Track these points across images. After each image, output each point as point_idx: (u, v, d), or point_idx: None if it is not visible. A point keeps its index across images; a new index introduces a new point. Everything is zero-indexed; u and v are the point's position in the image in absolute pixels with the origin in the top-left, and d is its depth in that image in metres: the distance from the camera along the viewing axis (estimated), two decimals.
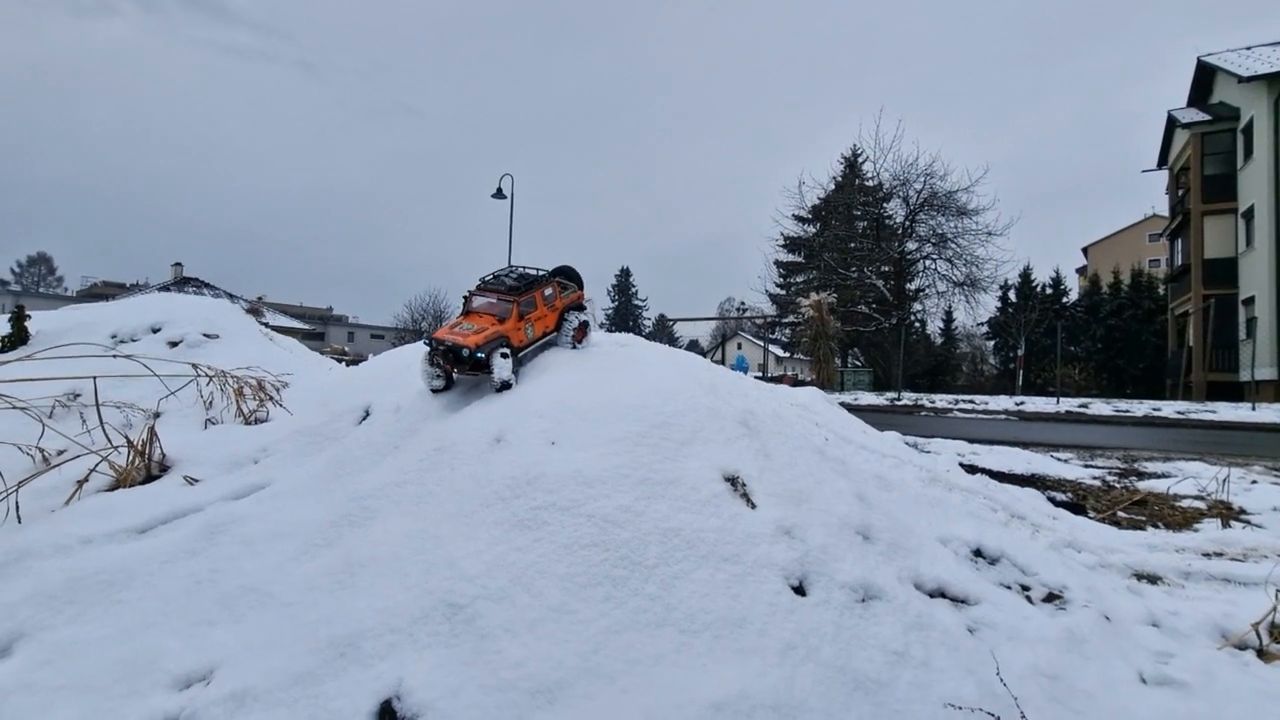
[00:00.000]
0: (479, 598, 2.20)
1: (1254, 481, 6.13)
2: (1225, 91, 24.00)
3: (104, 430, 3.76)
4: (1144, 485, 6.02)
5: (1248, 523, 4.77)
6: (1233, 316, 22.36)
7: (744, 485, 2.81)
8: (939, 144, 65.98)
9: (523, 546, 2.38)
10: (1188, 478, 6.07)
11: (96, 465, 3.47)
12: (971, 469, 6.14)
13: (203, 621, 2.40)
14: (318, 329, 58.50)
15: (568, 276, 4.32)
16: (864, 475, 3.77)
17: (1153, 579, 3.69)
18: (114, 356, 4.64)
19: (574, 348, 4.10)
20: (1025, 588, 3.10)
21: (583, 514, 2.48)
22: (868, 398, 21.10)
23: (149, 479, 3.58)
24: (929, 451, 7.22)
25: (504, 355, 3.50)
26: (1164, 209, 34.90)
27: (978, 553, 3.32)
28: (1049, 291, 36.52)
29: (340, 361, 9.01)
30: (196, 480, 3.55)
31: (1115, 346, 31.20)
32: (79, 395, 4.45)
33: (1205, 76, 25.52)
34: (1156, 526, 4.74)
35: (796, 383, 22.92)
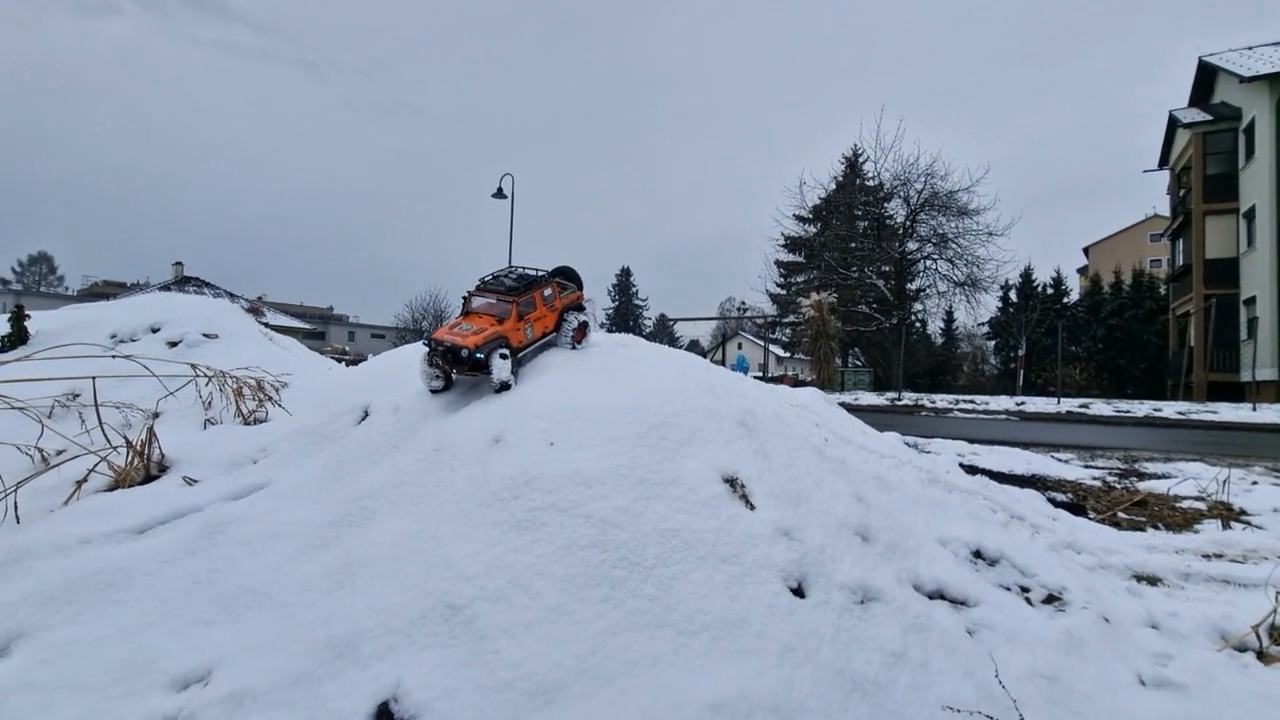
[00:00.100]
0: (477, 598, 2.20)
1: (1254, 482, 6.13)
2: (1227, 91, 23.98)
3: (103, 430, 3.76)
4: (1144, 486, 6.02)
5: (1248, 524, 4.76)
6: (1234, 317, 22.35)
7: (743, 486, 2.81)
8: (939, 144, 65.96)
9: (521, 547, 2.37)
10: (1188, 478, 6.06)
11: (95, 465, 3.47)
12: (971, 469, 6.13)
13: (201, 622, 2.40)
14: (318, 328, 58.54)
15: (567, 277, 4.32)
16: (863, 476, 3.77)
17: (1152, 580, 3.68)
18: (113, 357, 4.64)
19: (573, 348, 4.10)
20: (1025, 589, 3.10)
21: (581, 515, 2.48)
22: (868, 398, 21.09)
23: (148, 479, 3.58)
24: (929, 452, 7.22)
25: (503, 356, 3.50)
26: (1165, 209, 34.88)
27: (977, 554, 3.31)
28: (1050, 291, 36.51)
29: (340, 361, 9.02)
30: (195, 480, 3.55)
31: (1116, 347, 31.18)
32: (78, 395, 4.45)
33: (1207, 77, 25.49)
34: (1156, 528, 4.73)
35: (797, 383, 22.91)
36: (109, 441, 3.65)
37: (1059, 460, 7.44)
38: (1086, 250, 48.27)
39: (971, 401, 19.36)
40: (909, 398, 20.86)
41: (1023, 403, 18.34)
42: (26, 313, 5.74)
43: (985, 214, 29.41)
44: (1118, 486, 6.05)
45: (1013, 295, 35.58)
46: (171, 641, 2.30)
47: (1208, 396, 21.10)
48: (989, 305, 32.45)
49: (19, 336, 5.51)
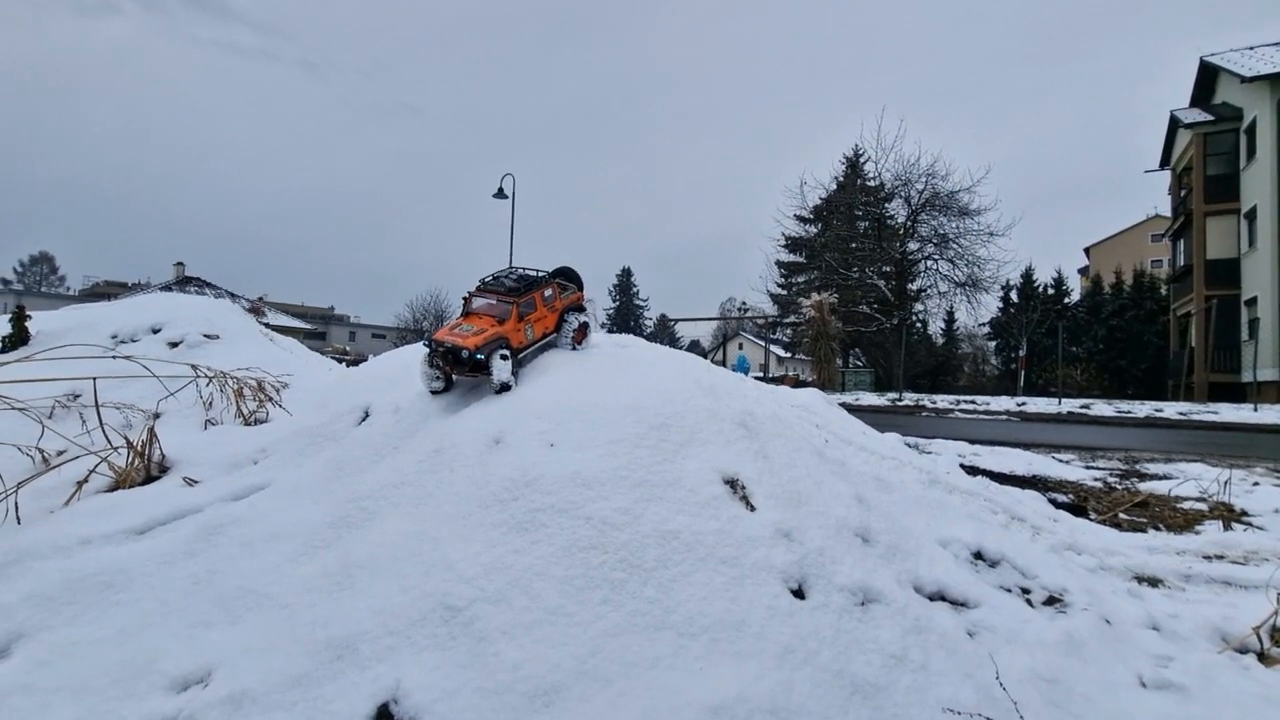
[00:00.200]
0: (477, 600, 2.19)
1: (1256, 483, 6.12)
2: (1228, 92, 23.97)
3: (104, 431, 3.76)
4: (1145, 487, 6.01)
5: (1249, 525, 4.76)
6: (1235, 317, 22.33)
7: (743, 487, 2.80)
8: (940, 144, 65.92)
9: (521, 549, 2.37)
10: (1189, 479, 6.05)
11: (96, 466, 3.48)
12: (972, 470, 6.13)
13: (201, 623, 2.40)
14: (319, 329, 58.58)
15: (568, 277, 4.32)
16: (863, 477, 3.77)
17: (1153, 582, 3.68)
18: (114, 357, 4.64)
19: (574, 349, 4.09)
20: (1025, 591, 3.09)
21: (581, 516, 2.47)
22: (869, 398, 21.08)
23: (148, 480, 3.58)
24: (929, 453, 7.22)
25: (503, 357, 3.50)
26: (1166, 209, 34.86)
27: (978, 555, 3.31)
28: (1051, 292, 36.53)
29: (341, 362, 9.01)
30: (196, 481, 3.55)
31: (1117, 347, 31.17)
32: (79, 396, 4.45)
33: (1208, 77, 25.47)
34: (1157, 529, 4.72)
35: (798, 383, 22.91)
36: (109, 442, 3.66)
37: (1060, 461, 7.43)
38: (1087, 250, 48.23)
39: (972, 402, 19.34)
40: (910, 398, 20.85)
41: (1023, 403, 18.33)
42: (27, 313, 5.75)
43: (986, 214, 29.48)
44: (1119, 487, 6.04)
45: (1013, 296, 35.59)
46: (171, 642, 2.30)
47: (1209, 397, 21.08)
48: (990, 306, 32.51)
49: (20, 337, 5.52)
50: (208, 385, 4.65)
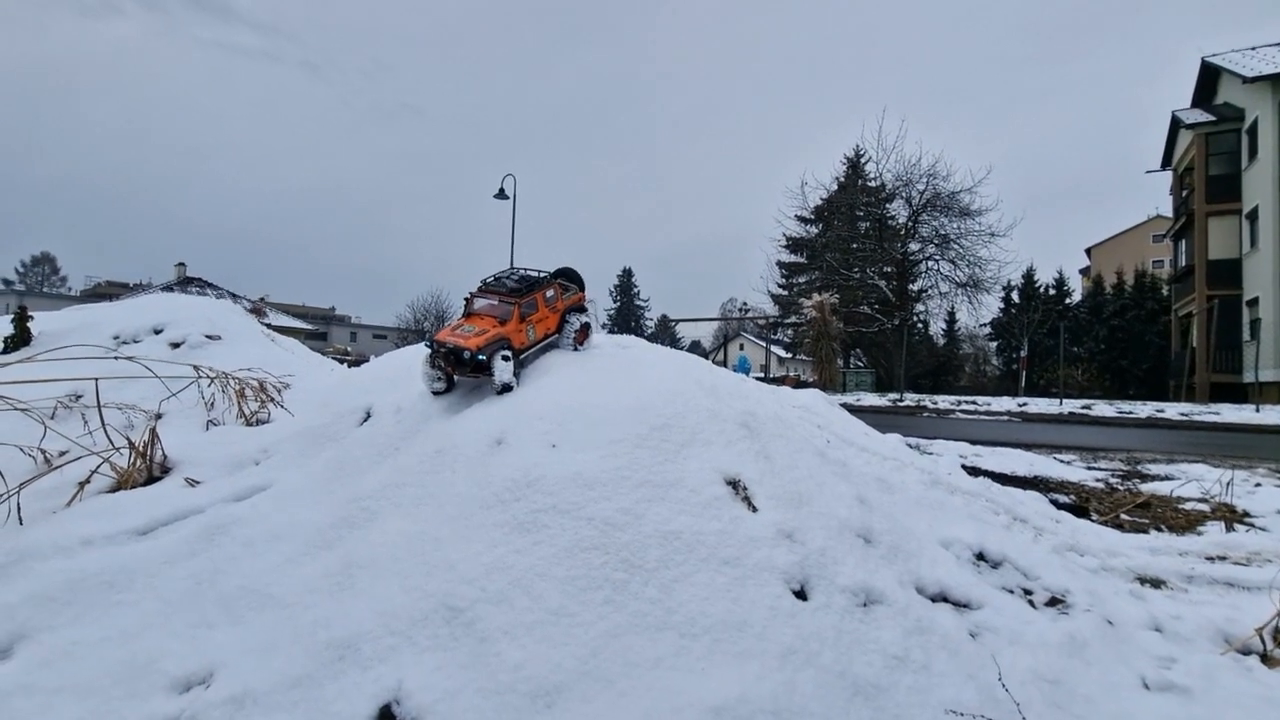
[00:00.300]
0: (478, 600, 2.20)
1: (1258, 484, 6.10)
2: (1230, 92, 23.95)
3: (105, 432, 3.77)
4: (1147, 488, 6.00)
5: (1251, 526, 4.75)
6: (1237, 318, 22.30)
7: (745, 488, 2.80)
8: (941, 144, 66.00)
9: (522, 549, 2.37)
10: (1191, 480, 6.04)
11: (98, 467, 3.48)
12: (974, 471, 6.12)
13: (202, 623, 2.40)
14: (321, 329, 58.60)
15: (569, 278, 4.32)
16: (865, 478, 3.76)
17: (1155, 583, 3.67)
18: (116, 358, 4.65)
19: (575, 350, 4.10)
20: (1028, 591, 3.09)
21: (583, 516, 2.47)
22: (870, 399, 21.07)
23: (150, 480, 3.58)
24: (931, 453, 7.21)
25: (505, 357, 3.50)
26: (1168, 210, 34.82)
27: (980, 556, 3.31)
28: (1052, 292, 36.51)
29: (342, 362, 9.01)
30: (197, 482, 3.55)
31: (1118, 347, 31.14)
32: (81, 396, 4.46)
33: (1209, 77, 25.45)
34: (1159, 529, 4.72)
35: (799, 384, 22.91)
36: (111, 443, 3.66)
37: (1061, 462, 7.42)
38: (1089, 251, 48.18)
39: (973, 402, 19.33)
40: (911, 399, 20.84)
41: (1025, 404, 18.31)
42: (29, 314, 5.75)
43: (987, 215, 29.44)
44: (1120, 488, 6.03)
45: (1015, 296, 35.58)
46: (173, 643, 2.31)
47: (1210, 398, 21.06)
48: (991, 306, 32.49)
49: (22, 337, 5.52)
50: (209, 386, 4.65)
